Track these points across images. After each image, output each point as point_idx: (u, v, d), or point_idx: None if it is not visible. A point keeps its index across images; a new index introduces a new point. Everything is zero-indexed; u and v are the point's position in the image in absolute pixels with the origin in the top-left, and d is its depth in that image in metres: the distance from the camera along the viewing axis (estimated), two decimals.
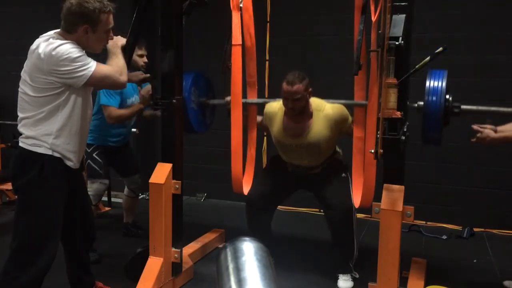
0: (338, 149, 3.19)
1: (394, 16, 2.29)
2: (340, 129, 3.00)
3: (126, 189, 3.80)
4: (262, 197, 3.10)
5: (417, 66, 2.37)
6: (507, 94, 3.90)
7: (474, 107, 2.60)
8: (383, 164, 2.46)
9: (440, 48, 2.37)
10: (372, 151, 2.26)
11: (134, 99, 3.49)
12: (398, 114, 2.18)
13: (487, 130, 2.52)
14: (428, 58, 2.39)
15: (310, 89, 2.91)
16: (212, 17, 3.93)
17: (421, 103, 2.56)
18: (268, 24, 4.59)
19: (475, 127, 2.55)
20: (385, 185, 2.45)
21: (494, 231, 4.06)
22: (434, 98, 2.49)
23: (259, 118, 3.28)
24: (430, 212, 4.17)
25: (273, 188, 3.12)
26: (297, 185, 3.22)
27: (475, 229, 4.04)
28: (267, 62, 4.61)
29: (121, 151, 3.61)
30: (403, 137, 2.23)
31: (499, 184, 4.10)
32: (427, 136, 2.59)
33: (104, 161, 3.46)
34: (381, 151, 2.21)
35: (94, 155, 3.44)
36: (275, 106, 3.09)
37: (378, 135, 2.23)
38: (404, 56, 2.37)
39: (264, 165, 4.48)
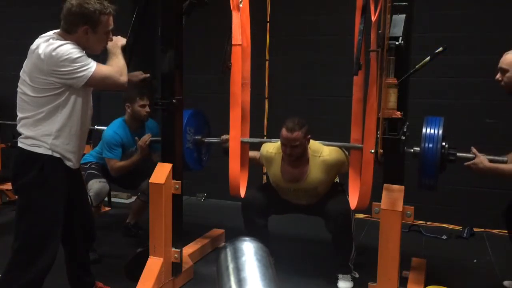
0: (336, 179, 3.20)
1: (394, 16, 2.29)
2: (338, 173, 3.06)
3: (141, 192, 3.75)
4: (259, 205, 3.09)
5: (417, 66, 2.37)
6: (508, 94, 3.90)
7: (470, 155, 2.61)
8: (383, 164, 2.45)
9: (440, 48, 2.37)
10: (372, 151, 2.26)
11: (135, 149, 3.54)
12: (398, 114, 2.19)
13: (482, 157, 2.54)
14: (428, 58, 2.39)
15: (309, 136, 2.93)
16: (212, 17, 3.93)
17: (417, 148, 2.57)
18: (268, 24, 4.59)
19: (473, 150, 2.58)
20: (385, 185, 2.45)
21: (494, 231, 4.06)
22: (430, 145, 2.52)
23: (256, 154, 3.27)
24: (430, 212, 4.17)
25: (270, 202, 3.12)
26: (295, 209, 3.22)
27: (475, 229, 4.04)
28: (267, 62, 4.61)
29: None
30: (403, 137, 2.23)
31: (499, 184, 4.09)
32: (423, 182, 2.61)
33: (100, 168, 3.54)
34: (381, 151, 2.22)
35: (91, 166, 3.56)
36: (272, 151, 3.10)
37: (378, 135, 2.23)
38: (404, 56, 2.37)
39: (264, 168, 4.48)
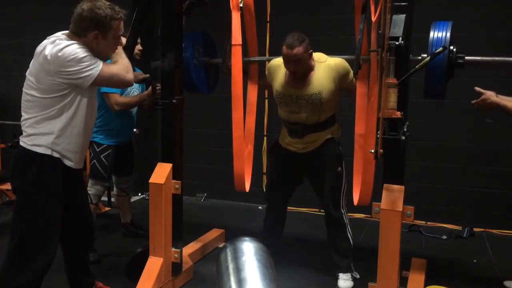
0: (337, 124, 3.11)
1: (394, 16, 2.29)
2: (342, 83, 2.94)
3: (115, 188, 3.79)
4: (277, 195, 3.24)
5: (417, 66, 2.37)
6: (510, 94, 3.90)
7: (478, 58, 2.57)
8: (383, 164, 2.45)
9: (440, 48, 2.37)
10: (372, 151, 2.26)
11: (133, 90, 3.45)
12: (398, 114, 2.19)
13: (489, 93, 2.53)
14: (428, 58, 2.39)
15: (311, 51, 2.87)
16: (212, 17, 3.93)
17: (425, 55, 2.51)
18: (268, 24, 4.59)
19: (477, 89, 2.55)
20: (385, 185, 2.45)
21: (494, 231, 4.06)
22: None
23: (264, 78, 3.27)
24: (430, 212, 4.17)
25: (283, 183, 3.20)
26: (298, 172, 3.18)
27: (475, 229, 4.04)
28: (267, 62, 4.59)
29: (125, 151, 3.59)
30: (403, 137, 2.23)
31: (499, 184, 4.10)
32: (430, 90, 2.55)
33: (109, 164, 3.43)
34: (381, 151, 2.21)
35: (101, 156, 3.41)
36: (279, 60, 3.06)
37: (378, 135, 2.23)
38: (404, 56, 2.37)
39: (264, 164, 4.49)
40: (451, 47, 2.50)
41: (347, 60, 2.94)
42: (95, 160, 3.40)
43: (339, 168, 3.02)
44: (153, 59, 3.35)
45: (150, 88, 3.35)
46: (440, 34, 2.49)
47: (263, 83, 3.29)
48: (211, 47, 3.43)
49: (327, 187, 3.01)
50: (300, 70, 2.86)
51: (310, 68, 2.93)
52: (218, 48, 3.45)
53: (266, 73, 3.17)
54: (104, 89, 3.21)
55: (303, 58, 2.81)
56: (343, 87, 2.97)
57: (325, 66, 2.91)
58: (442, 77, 2.50)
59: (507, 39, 3.94)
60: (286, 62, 2.85)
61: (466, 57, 2.54)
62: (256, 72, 3.25)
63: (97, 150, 3.39)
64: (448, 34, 2.48)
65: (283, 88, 3.01)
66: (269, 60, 3.19)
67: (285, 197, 3.29)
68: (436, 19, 2.68)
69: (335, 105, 3.04)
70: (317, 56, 2.97)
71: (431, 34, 2.52)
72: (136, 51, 3.40)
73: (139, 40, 3.40)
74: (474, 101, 2.59)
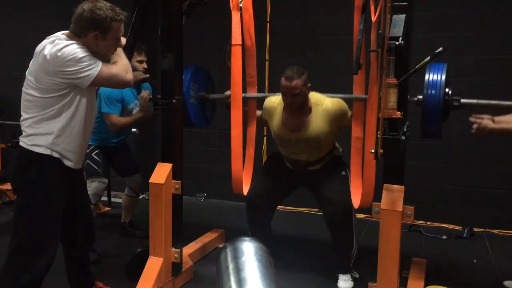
0: (337, 145, 3.18)
1: (394, 16, 2.29)
2: (340, 124, 3.00)
3: (127, 188, 3.80)
4: (262, 196, 3.07)
5: (417, 66, 2.37)
6: (509, 94, 3.90)
7: (474, 101, 2.59)
8: (383, 164, 2.45)
9: (440, 48, 2.37)
10: (372, 151, 2.26)
11: (134, 104, 3.48)
12: (398, 114, 2.19)
13: (486, 121, 2.50)
14: (428, 58, 2.39)
15: (309, 84, 2.90)
16: (212, 17, 3.93)
17: (420, 96, 2.54)
18: (268, 24, 4.59)
19: (472, 119, 2.53)
20: (385, 185, 2.45)
21: (494, 231, 4.06)
22: (433, 92, 2.47)
23: (258, 113, 3.26)
24: (430, 212, 4.17)
25: (272, 187, 3.11)
26: (296, 182, 3.20)
27: (475, 229, 4.04)
28: (267, 62, 4.61)
29: (119, 151, 3.62)
30: (403, 137, 2.23)
31: (499, 184, 4.10)
32: (426, 130, 2.57)
33: (102, 160, 3.47)
34: (381, 151, 2.21)
35: (92, 155, 3.44)
36: (274, 101, 3.09)
37: (378, 135, 2.23)
38: (404, 56, 2.37)
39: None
40: (446, 89, 2.52)
41: (344, 99, 2.97)
42: (87, 160, 3.42)
43: (343, 172, 3.06)
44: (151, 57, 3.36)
45: (141, 110, 3.34)
46: (435, 77, 2.52)
47: (260, 119, 3.26)
48: (207, 80, 3.44)
49: (334, 189, 2.97)
50: (297, 103, 2.89)
51: (308, 110, 2.96)
52: (215, 82, 3.50)
53: (263, 111, 3.20)
54: (104, 110, 3.30)
55: (301, 91, 2.84)
56: (341, 126, 3.03)
57: (323, 110, 2.95)
58: (438, 119, 2.53)
59: (506, 39, 3.95)
60: (284, 95, 2.88)
61: (461, 100, 2.56)
62: (254, 106, 3.22)
63: (87, 151, 3.41)
64: (444, 77, 2.51)
65: (280, 131, 3.05)
66: (265, 97, 3.21)
67: (276, 204, 3.27)
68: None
69: (335, 138, 3.12)
70: (314, 98, 2.98)
71: (426, 76, 2.54)
72: (140, 68, 3.42)
73: (145, 58, 3.43)
74: (473, 131, 2.54)
